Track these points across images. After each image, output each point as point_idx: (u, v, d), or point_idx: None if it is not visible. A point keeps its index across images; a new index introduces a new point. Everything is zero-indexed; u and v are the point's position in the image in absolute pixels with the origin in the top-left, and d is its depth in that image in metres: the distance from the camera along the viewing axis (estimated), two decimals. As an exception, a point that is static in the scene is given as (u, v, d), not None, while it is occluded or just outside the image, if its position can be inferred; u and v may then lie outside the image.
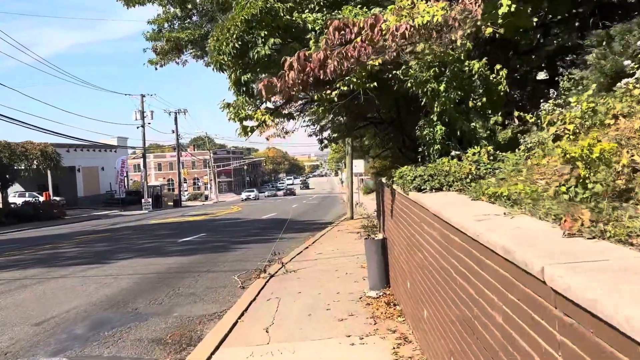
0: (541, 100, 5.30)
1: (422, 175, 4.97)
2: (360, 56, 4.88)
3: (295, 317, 6.76)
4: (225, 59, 7.62)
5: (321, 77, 5.14)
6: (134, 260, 12.88)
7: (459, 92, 5.78)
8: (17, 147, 35.92)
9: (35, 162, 36.70)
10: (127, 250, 15.23)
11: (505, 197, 3.29)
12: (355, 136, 15.60)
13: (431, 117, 6.01)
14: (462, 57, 5.74)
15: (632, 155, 2.72)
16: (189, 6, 13.22)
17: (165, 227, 24.61)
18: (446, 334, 3.66)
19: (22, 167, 36.00)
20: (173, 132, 56.71)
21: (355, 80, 5.92)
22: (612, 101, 4.04)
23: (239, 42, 7.47)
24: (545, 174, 3.51)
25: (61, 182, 44.32)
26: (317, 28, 7.44)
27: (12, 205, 35.56)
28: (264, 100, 7.70)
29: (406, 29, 4.69)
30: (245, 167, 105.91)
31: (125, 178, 55.06)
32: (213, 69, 8.14)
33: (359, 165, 24.48)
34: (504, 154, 4.96)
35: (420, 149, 6.50)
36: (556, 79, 6.82)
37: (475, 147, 5.33)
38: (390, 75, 6.59)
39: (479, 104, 5.90)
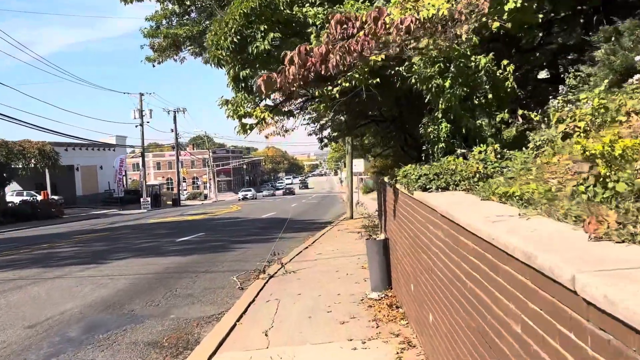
0: (549, 97, 5.14)
1: (427, 174, 4.80)
2: (363, 50, 4.70)
3: (295, 320, 6.59)
4: (224, 54, 7.44)
5: (322, 72, 4.96)
6: (131, 260, 12.69)
7: (465, 89, 5.61)
8: (14, 145, 35.66)
9: (33, 160, 36.48)
10: (125, 250, 15.04)
11: (517, 197, 3.13)
12: (356, 135, 15.45)
13: (435, 114, 5.84)
14: (469, 52, 5.57)
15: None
16: (187, 2, 13.04)
17: (163, 227, 24.41)
18: (454, 340, 3.49)
19: (20, 166, 35.81)
20: (172, 131, 56.64)
21: (357, 76, 5.77)
22: (624, 98, 3.90)
23: (238, 37, 7.29)
24: (556, 172, 3.36)
25: (59, 181, 44.11)
26: (317, 22, 7.27)
27: (10, 204, 35.23)
28: (263, 97, 7.53)
29: (411, 22, 4.52)
30: (245, 167, 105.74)
31: (124, 177, 54.81)
32: (211, 65, 7.97)
33: (359, 164, 24.38)
34: (511, 152, 4.80)
35: (423, 148, 6.34)
36: (562, 76, 6.68)
37: (481, 145, 5.17)
38: (392, 72, 6.43)
39: (484, 101, 5.74)
